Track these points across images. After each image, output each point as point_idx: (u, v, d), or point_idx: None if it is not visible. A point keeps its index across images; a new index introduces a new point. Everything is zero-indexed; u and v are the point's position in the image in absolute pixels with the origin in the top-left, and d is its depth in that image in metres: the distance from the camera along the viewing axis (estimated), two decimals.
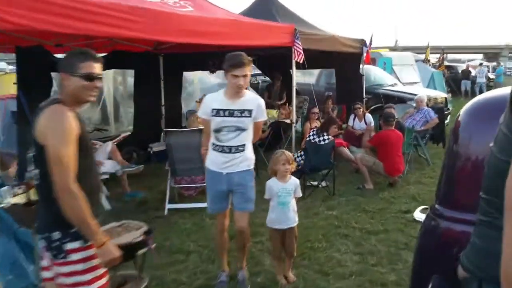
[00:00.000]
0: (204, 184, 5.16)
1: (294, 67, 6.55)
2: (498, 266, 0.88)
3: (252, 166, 3.18)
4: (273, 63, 9.53)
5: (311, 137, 5.57)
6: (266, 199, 3.33)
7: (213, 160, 3.13)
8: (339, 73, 9.69)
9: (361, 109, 7.89)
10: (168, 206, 4.95)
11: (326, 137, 5.52)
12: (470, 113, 1.83)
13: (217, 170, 3.10)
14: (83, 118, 1.98)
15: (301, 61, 6.43)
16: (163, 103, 8.27)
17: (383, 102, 9.28)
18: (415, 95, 9.02)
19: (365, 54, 8.71)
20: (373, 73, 10.88)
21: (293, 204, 3.27)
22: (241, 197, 3.14)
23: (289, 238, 3.26)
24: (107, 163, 5.20)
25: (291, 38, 6.36)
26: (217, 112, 3.02)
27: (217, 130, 3.04)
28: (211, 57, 9.17)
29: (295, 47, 6.36)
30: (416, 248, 2.00)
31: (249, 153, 3.16)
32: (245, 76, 2.95)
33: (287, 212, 3.21)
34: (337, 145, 6.74)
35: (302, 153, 5.53)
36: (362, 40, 8.65)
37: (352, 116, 8.09)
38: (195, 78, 11.48)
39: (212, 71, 9.51)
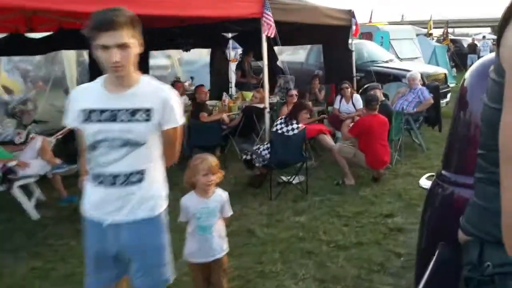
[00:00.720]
0: None
1: (264, 43, 5.61)
2: (499, 223, 0.83)
3: (161, 210, 1.90)
4: (250, 39, 8.55)
5: (278, 127, 4.69)
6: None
7: (89, 200, 1.88)
8: (326, 49, 8.70)
9: (349, 89, 6.96)
10: None
11: (295, 125, 4.64)
12: (476, 74, 1.79)
13: (95, 218, 1.85)
14: None
15: (272, 35, 5.51)
16: None
17: (376, 80, 8.34)
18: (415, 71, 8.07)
19: (354, 27, 7.69)
20: (366, 48, 9.87)
21: (218, 228, 2.43)
22: (140, 270, 1.86)
23: (215, 273, 2.44)
24: (34, 163, 4.38)
25: (260, 8, 5.41)
26: (88, 116, 1.79)
27: (92, 147, 1.81)
28: (182, 34, 8.30)
29: (264, 18, 5.42)
30: (422, 215, 1.95)
31: (155, 187, 1.87)
32: (124, 46, 1.67)
33: (210, 239, 2.38)
34: (317, 132, 5.88)
35: (268, 145, 4.65)
36: (350, 11, 7.63)
37: (338, 97, 7.17)
38: (174, 58, 10.55)
39: (186, 50, 8.60)
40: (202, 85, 6.38)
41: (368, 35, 12.54)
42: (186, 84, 8.64)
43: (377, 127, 4.75)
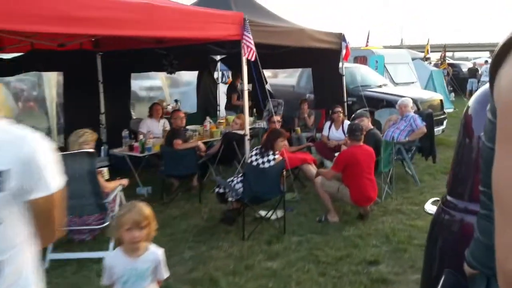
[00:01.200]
0: (101, 226, 3.95)
1: (244, 66, 5.24)
2: None
3: None
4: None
5: (253, 158, 4.27)
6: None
7: None
8: (315, 73, 8.37)
9: (341, 115, 6.56)
10: (50, 256, 3.67)
11: (271, 156, 4.21)
12: (480, 101, 1.77)
13: None
14: None
15: (252, 59, 5.14)
16: (102, 110, 7.01)
17: (367, 106, 7.97)
18: (408, 97, 7.70)
19: (344, 51, 7.36)
20: (360, 72, 9.53)
21: None
22: None
23: None
24: None
25: (239, 30, 5.06)
26: None
27: None
28: (167, 55, 7.98)
29: (244, 41, 5.07)
30: (427, 241, 1.93)
31: (22, 283, 1.28)
32: None
33: None
34: (301, 161, 5.46)
35: (241, 178, 4.21)
36: (341, 34, 7.31)
37: (327, 124, 6.77)
38: (163, 79, 10.18)
39: (170, 72, 8.24)
40: (178, 110, 5.99)
41: (362, 59, 12.27)
42: (170, 107, 8.26)
43: (362, 159, 4.32)
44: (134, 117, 7.77)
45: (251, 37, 5.07)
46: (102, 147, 7.01)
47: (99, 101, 6.96)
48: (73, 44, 6.27)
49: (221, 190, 4.36)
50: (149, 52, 7.19)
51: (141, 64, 7.62)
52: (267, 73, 10.41)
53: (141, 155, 5.54)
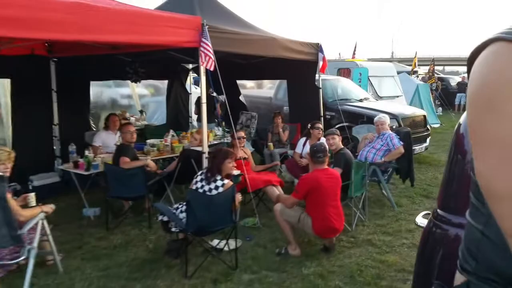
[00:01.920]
0: (16, 261, 3.36)
1: (203, 76, 4.71)
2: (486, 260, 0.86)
3: None
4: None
5: (198, 185, 3.70)
6: None
7: None
8: (291, 85, 7.88)
9: (320, 131, 6.02)
10: None
11: (219, 182, 3.65)
12: None
13: None
14: None
15: (211, 68, 4.62)
16: (56, 121, 6.41)
17: (344, 120, 7.50)
18: (389, 113, 7.23)
19: (321, 63, 6.89)
20: (341, 85, 9.08)
21: None
22: None
23: None
24: None
25: (197, 37, 4.55)
26: None
27: None
28: (132, 63, 7.43)
29: (202, 48, 4.55)
30: (417, 254, 1.92)
31: None
32: None
33: None
34: (265, 183, 4.91)
35: (183, 206, 3.64)
36: (318, 44, 6.84)
37: (302, 140, 6.25)
38: (132, 87, 9.56)
39: (135, 81, 7.69)
40: (128, 124, 5.42)
41: (346, 71, 11.86)
42: (133, 119, 7.67)
43: (326, 185, 3.77)
44: (94, 129, 7.19)
45: (210, 44, 4.56)
46: (56, 161, 6.44)
47: (52, 111, 6.37)
48: (23, 49, 5.74)
49: (165, 218, 3.79)
50: (111, 59, 6.65)
51: (102, 71, 7.06)
52: (242, 83, 9.92)
53: (86, 173, 4.95)
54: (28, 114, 6.04)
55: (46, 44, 6.06)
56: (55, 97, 6.36)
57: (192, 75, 8.97)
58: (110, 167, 4.63)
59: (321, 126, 5.96)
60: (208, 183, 3.63)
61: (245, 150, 5.39)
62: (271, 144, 7.10)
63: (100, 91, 8.83)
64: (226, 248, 3.94)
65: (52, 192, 5.94)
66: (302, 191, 3.81)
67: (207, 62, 4.58)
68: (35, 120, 6.13)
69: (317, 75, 7.04)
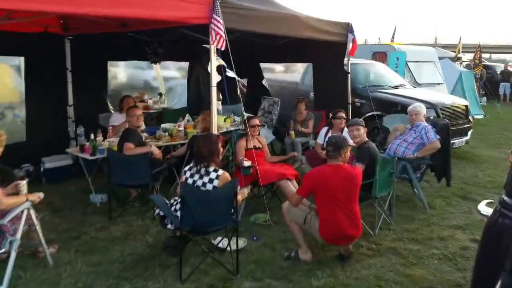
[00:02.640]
0: None
1: (213, 56, 4.26)
2: None
3: None
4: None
5: (187, 175, 3.29)
6: None
7: None
8: (317, 70, 7.31)
9: (343, 120, 5.47)
10: None
11: (213, 174, 3.23)
12: None
13: None
14: None
15: (222, 48, 4.17)
16: (70, 102, 6.19)
17: (375, 109, 6.87)
18: (426, 101, 6.54)
19: (351, 45, 6.26)
20: (373, 70, 8.39)
21: None
22: None
23: None
24: None
25: (207, 12, 4.09)
26: None
27: None
28: (150, 43, 7.09)
29: (213, 25, 4.10)
30: (481, 243, 1.95)
31: None
32: None
33: None
34: (278, 176, 4.46)
35: (178, 203, 3.24)
36: (348, 24, 6.22)
37: (324, 129, 5.73)
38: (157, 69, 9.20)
39: (154, 62, 7.36)
40: (134, 106, 5.07)
41: (382, 56, 11.06)
42: (150, 101, 7.35)
43: (334, 184, 3.25)
44: (113, 111, 6.93)
45: (221, 21, 4.10)
46: (70, 143, 6.24)
47: (66, 91, 6.15)
48: (36, 26, 5.50)
49: (162, 213, 3.43)
50: (130, 39, 6.34)
51: (120, 51, 6.76)
52: (271, 67, 9.37)
53: (92, 157, 4.68)
54: (42, 94, 5.84)
55: (61, 21, 5.82)
56: (70, 76, 6.14)
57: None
58: (113, 153, 4.34)
59: (343, 115, 5.39)
60: (200, 177, 3.21)
61: (259, 139, 4.94)
62: (292, 132, 6.61)
63: (127, 72, 8.59)
64: (228, 248, 3.54)
65: (64, 174, 5.77)
66: (305, 188, 3.34)
67: (218, 41, 4.13)
68: (49, 100, 5.93)
69: (346, 59, 6.43)
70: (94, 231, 4.15)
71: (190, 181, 3.23)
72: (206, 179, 3.19)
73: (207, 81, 8.44)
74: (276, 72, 9.27)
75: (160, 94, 7.58)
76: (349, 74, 6.52)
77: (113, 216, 4.44)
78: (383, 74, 8.41)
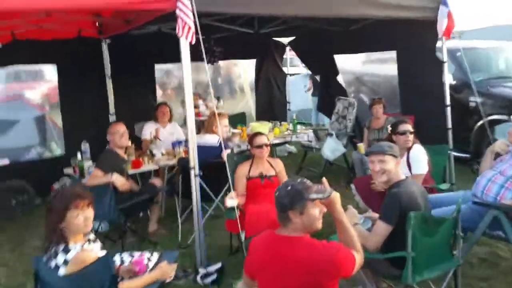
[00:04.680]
0: None
1: (184, 49, 3.17)
2: None
3: None
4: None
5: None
6: None
7: None
8: (402, 60, 5.37)
9: (408, 136, 3.68)
10: None
11: (60, 257, 1.90)
12: None
13: None
14: None
15: (192, 41, 3.04)
16: (112, 111, 5.75)
17: (496, 111, 4.72)
18: None
19: (444, 22, 4.30)
20: (504, 56, 5.93)
21: None
22: None
23: None
24: None
25: None
26: None
27: None
28: (205, 40, 6.23)
29: (178, 10, 2.98)
30: None
31: None
32: None
33: None
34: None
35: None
36: None
37: None
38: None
39: (210, 62, 6.50)
40: (117, 122, 4.24)
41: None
42: (203, 107, 6.48)
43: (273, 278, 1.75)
44: None
45: (189, 6, 2.95)
46: None
47: (107, 100, 5.74)
48: (68, 31, 5.20)
49: None
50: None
51: (168, 52, 6.07)
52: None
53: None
54: (79, 103, 5.54)
55: (97, 24, 5.42)
56: (110, 84, 5.72)
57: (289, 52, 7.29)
58: (75, 180, 3.59)
59: (408, 128, 3.58)
60: (52, 256, 2.04)
61: (272, 163, 3.56)
62: (361, 145, 4.95)
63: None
64: None
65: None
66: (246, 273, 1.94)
67: (184, 31, 2.99)
68: (87, 109, 5.60)
69: (439, 42, 4.47)
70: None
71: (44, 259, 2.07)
72: (53, 263, 1.99)
73: (281, 81, 7.35)
74: (370, 63, 7.31)
75: (218, 98, 6.69)
76: (445, 64, 4.53)
77: None
78: None
